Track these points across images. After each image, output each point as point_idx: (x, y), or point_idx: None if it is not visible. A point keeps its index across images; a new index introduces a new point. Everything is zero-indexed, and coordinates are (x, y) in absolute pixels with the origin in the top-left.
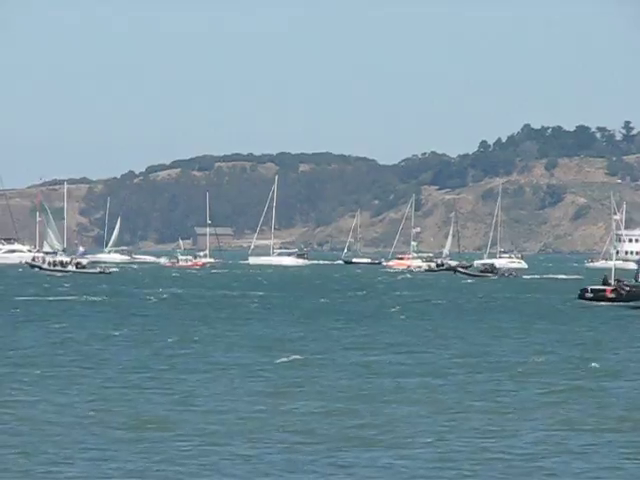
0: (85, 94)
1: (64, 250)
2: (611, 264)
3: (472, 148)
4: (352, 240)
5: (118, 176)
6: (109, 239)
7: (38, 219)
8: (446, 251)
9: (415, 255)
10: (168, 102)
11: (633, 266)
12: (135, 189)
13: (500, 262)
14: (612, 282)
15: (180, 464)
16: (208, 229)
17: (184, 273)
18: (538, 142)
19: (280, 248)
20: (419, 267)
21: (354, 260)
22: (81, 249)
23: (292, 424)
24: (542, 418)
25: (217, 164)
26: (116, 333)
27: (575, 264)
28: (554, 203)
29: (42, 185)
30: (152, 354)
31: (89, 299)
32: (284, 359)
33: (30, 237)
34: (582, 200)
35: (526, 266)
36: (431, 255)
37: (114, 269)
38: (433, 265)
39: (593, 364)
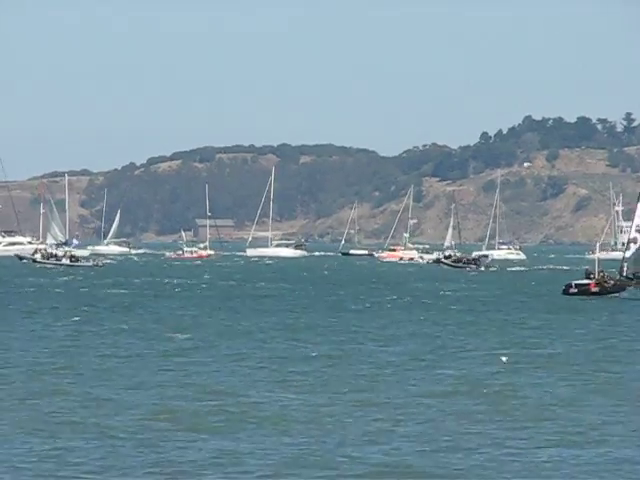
0: (86, 88)
1: (66, 242)
2: (613, 255)
3: (473, 140)
4: (353, 231)
5: (119, 168)
6: (108, 231)
7: (42, 211)
8: (447, 243)
9: (411, 247)
10: (168, 95)
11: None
12: (136, 181)
13: (499, 254)
14: (596, 275)
15: None
16: (208, 221)
17: (201, 265)
18: (539, 133)
19: (281, 239)
20: (412, 258)
21: (351, 252)
22: (75, 241)
23: None
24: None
25: (218, 155)
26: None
27: (576, 255)
28: (555, 194)
29: (43, 177)
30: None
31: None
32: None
33: (31, 229)
34: (583, 191)
35: (524, 257)
36: (427, 247)
37: (108, 261)
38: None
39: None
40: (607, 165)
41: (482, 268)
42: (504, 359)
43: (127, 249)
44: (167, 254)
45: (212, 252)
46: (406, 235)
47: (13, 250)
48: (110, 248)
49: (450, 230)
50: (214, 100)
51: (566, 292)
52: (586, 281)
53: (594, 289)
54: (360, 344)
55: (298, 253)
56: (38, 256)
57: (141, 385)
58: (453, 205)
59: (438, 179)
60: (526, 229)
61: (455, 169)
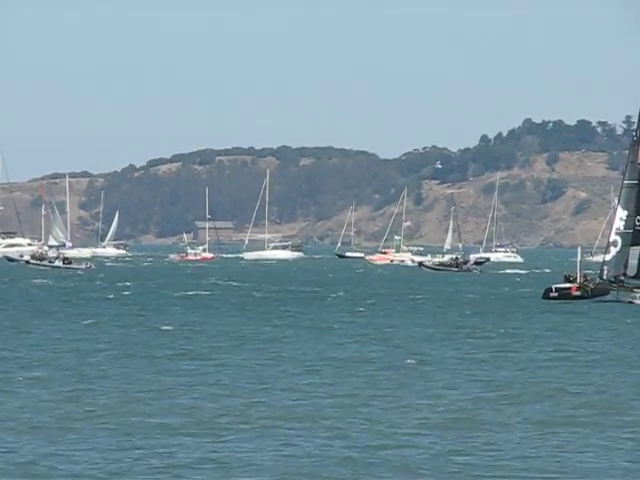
0: (86, 90)
1: (64, 244)
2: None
3: (473, 142)
4: (352, 234)
5: (119, 170)
6: (104, 233)
7: (43, 212)
8: (447, 245)
9: (405, 249)
10: (168, 97)
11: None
12: (136, 183)
13: (496, 256)
14: (578, 279)
15: None
16: (207, 223)
17: (210, 267)
18: (539, 136)
19: (281, 242)
20: (403, 261)
21: (347, 254)
22: (68, 243)
23: None
24: None
25: (218, 158)
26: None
27: (574, 259)
28: (555, 197)
29: (43, 179)
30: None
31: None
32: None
33: (31, 231)
34: (583, 194)
35: (521, 260)
36: (422, 249)
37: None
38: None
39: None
40: (607, 168)
41: (465, 271)
42: (409, 361)
43: (124, 251)
44: (171, 256)
45: (214, 255)
46: (398, 238)
47: (12, 252)
48: (107, 250)
49: (450, 233)
50: (214, 102)
51: (546, 296)
52: (567, 285)
53: (575, 293)
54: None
55: (295, 255)
56: (28, 257)
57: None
58: (453, 208)
59: (438, 182)
60: (526, 232)
61: (455, 172)
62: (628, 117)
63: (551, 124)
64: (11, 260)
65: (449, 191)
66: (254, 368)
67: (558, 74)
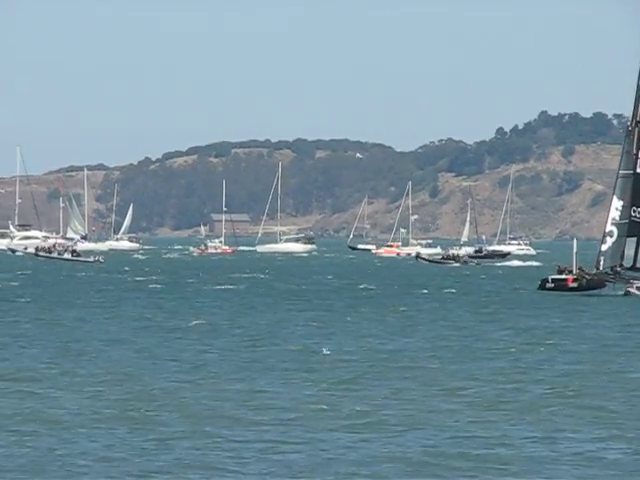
0: (103, 84)
1: (85, 236)
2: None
3: (489, 135)
4: (367, 226)
5: (135, 163)
6: (119, 226)
7: (61, 205)
8: (464, 238)
9: (414, 242)
10: (186, 91)
11: None
12: (152, 176)
13: (509, 249)
14: (574, 270)
15: None
16: (224, 216)
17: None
18: (555, 129)
19: (297, 234)
20: (409, 254)
21: (359, 246)
22: (77, 236)
23: None
24: None
25: (234, 150)
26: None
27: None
28: (571, 190)
29: (59, 172)
30: None
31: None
32: None
33: (47, 223)
34: (599, 187)
35: (534, 252)
36: (430, 242)
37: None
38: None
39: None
40: None
41: (461, 264)
42: (325, 350)
43: (137, 244)
44: (191, 249)
45: (234, 248)
46: (404, 230)
47: (27, 244)
48: (121, 243)
49: (467, 225)
50: (230, 96)
51: (542, 287)
52: (563, 276)
53: (572, 284)
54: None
55: (308, 248)
56: (31, 250)
57: None
58: (469, 200)
59: (454, 174)
60: (542, 224)
61: (470, 164)
62: None
63: (567, 116)
64: (14, 252)
65: (465, 184)
66: None
67: (575, 62)
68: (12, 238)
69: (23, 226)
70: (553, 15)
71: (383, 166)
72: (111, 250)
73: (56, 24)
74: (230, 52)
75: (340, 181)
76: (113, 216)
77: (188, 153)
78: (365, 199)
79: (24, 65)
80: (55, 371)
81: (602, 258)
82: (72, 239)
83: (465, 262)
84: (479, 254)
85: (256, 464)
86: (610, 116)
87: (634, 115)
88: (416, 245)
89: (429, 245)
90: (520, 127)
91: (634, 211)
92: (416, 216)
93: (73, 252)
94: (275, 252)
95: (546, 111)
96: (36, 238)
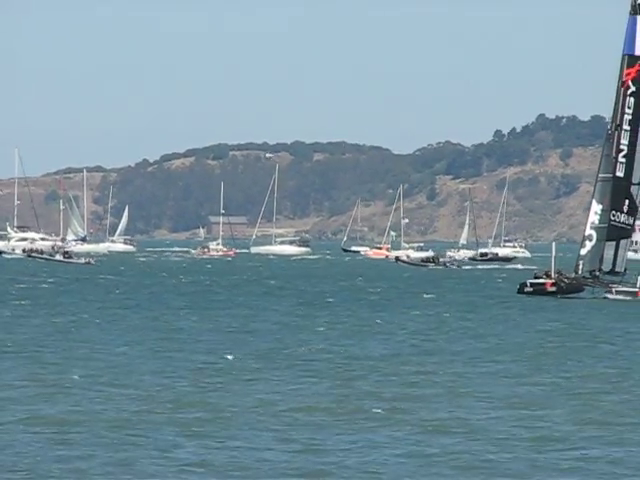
0: (100, 85)
1: (84, 238)
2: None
3: (487, 138)
4: (362, 229)
5: (132, 165)
6: (114, 228)
7: (62, 207)
8: (463, 240)
9: (406, 245)
10: (183, 93)
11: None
12: (149, 178)
13: (504, 251)
14: (552, 274)
15: None
16: (222, 218)
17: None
18: (553, 132)
19: (294, 237)
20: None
21: (352, 248)
22: (72, 238)
23: None
24: None
25: (231, 153)
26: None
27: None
28: (569, 193)
29: (56, 173)
30: None
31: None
32: None
33: (45, 225)
34: None
35: (529, 255)
36: (422, 245)
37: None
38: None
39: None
40: None
41: (442, 266)
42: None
43: (132, 247)
44: (193, 251)
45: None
46: (393, 233)
47: (24, 245)
48: (115, 245)
49: (466, 228)
50: (229, 98)
51: (521, 291)
52: (542, 280)
53: (550, 288)
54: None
55: (302, 250)
56: (19, 252)
57: None
58: (467, 202)
59: (451, 177)
60: (539, 227)
61: (468, 167)
62: None
63: (565, 119)
64: (1, 253)
65: (462, 186)
66: None
67: (573, 64)
68: (9, 240)
69: (21, 228)
70: (553, 15)
71: (381, 169)
72: (110, 252)
73: (55, 25)
74: (230, 52)
75: (338, 184)
76: (108, 218)
77: (186, 155)
78: (358, 201)
79: (22, 66)
80: None
81: (581, 262)
82: (72, 240)
83: (445, 265)
84: (484, 257)
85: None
86: (608, 119)
87: (614, 119)
88: (408, 248)
89: (420, 248)
90: (518, 130)
91: (613, 215)
92: (407, 220)
93: (65, 254)
94: (269, 254)
95: (544, 114)
96: (33, 239)
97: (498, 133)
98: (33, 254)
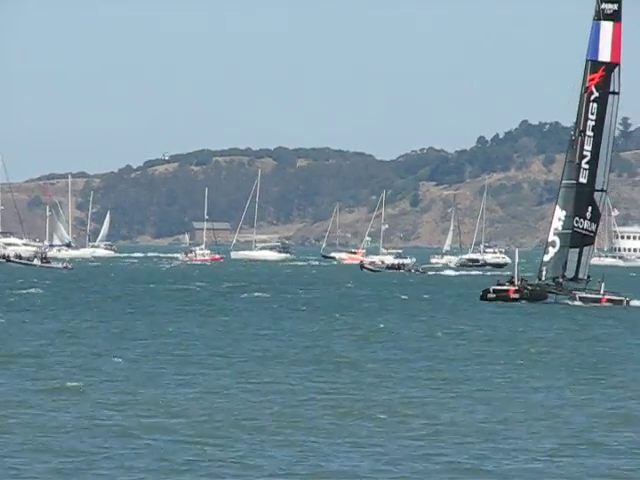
0: (84, 90)
1: (69, 243)
2: (607, 261)
3: (470, 144)
4: (342, 235)
5: (116, 170)
6: (96, 234)
7: (48, 213)
8: (446, 247)
9: (385, 251)
10: (167, 97)
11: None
12: (133, 183)
13: (485, 257)
14: (515, 281)
15: None
16: (205, 224)
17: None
18: (536, 138)
19: (277, 242)
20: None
21: (332, 254)
22: (46, 242)
23: None
24: None
25: (215, 159)
26: None
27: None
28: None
29: (39, 179)
30: None
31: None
32: None
33: (28, 231)
34: None
35: (509, 261)
36: (400, 251)
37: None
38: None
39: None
40: None
41: (407, 272)
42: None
43: (112, 252)
44: (180, 257)
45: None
46: (368, 239)
47: (7, 251)
48: (97, 251)
49: (450, 234)
50: (212, 102)
51: (484, 297)
52: (505, 287)
53: (513, 295)
54: None
55: (282, 256)
56: None
57: None
58: (451, 209)
59: (435, 183)
60: (522, 234)
61: (451, 173)
62: (625, 119)
63: (548, 126)
64: None
65: (446, 193)
66: None
67: (556, 71)
68: None
69: (3, 233)
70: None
71: (364, 175)
72: (95, 257)
73: (54, 25)
74: (230, 52)
75: (321, 190)
76: (88, 223)
77: (169, 161)
78: (337, 207)
79: (16, 68)
80: None
81: (544, 268)
82: (57, 246)
83: (410, 271)
84: (475, 263)
85: None
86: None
87: (577, 125)
88: (386, 254)
89: (399, 255)
90: (501, 136)
91: (577, 222)
92: (387, 225)
93: (43, 259)
94: (249, 259)
95: (527, 120)
96: (16, 245)
97: (481, 139)
98: (12, 259)
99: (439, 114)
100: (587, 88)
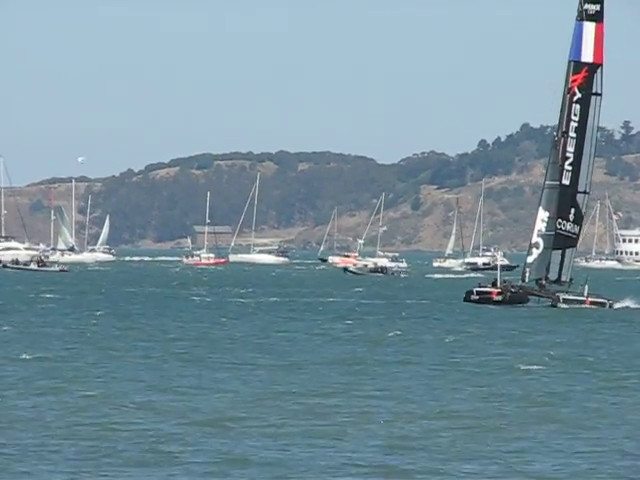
0: (84, 93)
1: (72, 247)
2: (607, 264)
3: (471, 147)
4: (350, 239)
5: (117, 174)
6: (96, 238)
7: (52, 218)
8: (449, 250)
9: (381, 254)
10: (167, 101)
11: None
12: (134, 187)
13: (483, 260)
14: (498, 283)
15: None
16: (207, 228)
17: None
18: (537, 141)
19: (279, 246)
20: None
21: (329, 258)
22: (42, 246)
23: None
24: None
25: (216, 162)
26: None
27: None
28: None
29: (41, 183)
30: None
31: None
32: None
33: (30, 235)
34: None
35: (508, 263)
36: (396, 255)
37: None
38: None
39: None
40: (605, 173)
41: (390, 275)
42: None
43: (111, 256)
44: (185, 260)
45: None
46: (361, 242)
47: (8, 256)
48: (94, 255)
49: (452, 238)
50: (213, 103)
51: (467, 299)
52: (488, 289)
53: (496, 297)
54: None
55: (280, 260)
56: None
57: None
58: (452, 212)
59: (436, 187)
60: (524, 237)
61: (453, 177)
62: (626, 122)
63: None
64: None
65: (447, 196)
66: None
67: (557, 74)
68: None
69: (6, 237)
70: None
71: (365, 178)
72: (97, 262)
73: (55, 26)
74: (230, 52)
75: (322, 193)
76: (87, 228)
77: (170, 165)
78: (335, 211)
79: (17, 70)
80: None
81: (528, 270)
82: (59, 250)
83: (393, 274)
84: (487, 266)
85: None
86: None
87: (559, 126)
88: (382, 257)
89: (395, 258)
90: (502, 139)
91: (559, 224)
92: (384, 228)
93: (39, 262)
94: (246, 262)
95: (528, 123)
96: (17, 249)
97: (483, 143)
98: (9, 264)
99: (440, 117)
100: (570, 89)
